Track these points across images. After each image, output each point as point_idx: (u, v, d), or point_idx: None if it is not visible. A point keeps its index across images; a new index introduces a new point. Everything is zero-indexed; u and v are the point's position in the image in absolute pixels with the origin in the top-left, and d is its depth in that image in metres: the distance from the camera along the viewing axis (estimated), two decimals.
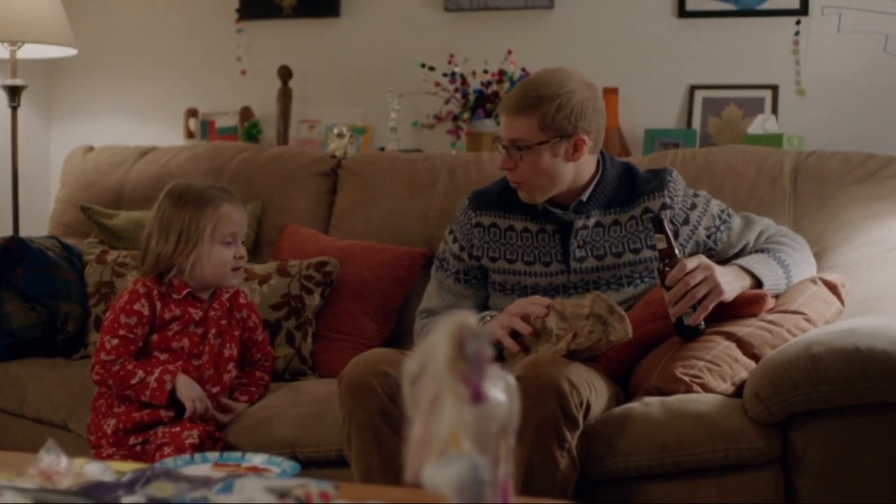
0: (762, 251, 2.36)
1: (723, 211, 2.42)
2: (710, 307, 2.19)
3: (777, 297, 2.32)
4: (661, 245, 2.20)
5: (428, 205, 3.04)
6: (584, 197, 2.33)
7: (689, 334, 2.22)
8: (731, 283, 2.23)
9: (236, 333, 2.53)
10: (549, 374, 1.98)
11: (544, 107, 2.23)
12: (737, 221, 2.42)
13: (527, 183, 2.30)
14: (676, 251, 2.20)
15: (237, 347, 2.53)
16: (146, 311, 2.41)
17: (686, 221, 2.36)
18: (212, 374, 2.45)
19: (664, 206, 2.33)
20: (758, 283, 2.29)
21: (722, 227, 2.39)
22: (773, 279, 2.31)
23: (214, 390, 2.45)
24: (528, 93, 2.26)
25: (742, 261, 2.31)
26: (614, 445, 2.07)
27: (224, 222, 2.43)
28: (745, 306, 2.27)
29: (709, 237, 2.39)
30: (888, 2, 3.09)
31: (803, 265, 2.39)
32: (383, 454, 2.05)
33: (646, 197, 2.35)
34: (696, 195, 2.41)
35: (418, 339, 2.44)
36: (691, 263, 2.18)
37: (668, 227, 2.21)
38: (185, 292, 2.44)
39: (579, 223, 2.33)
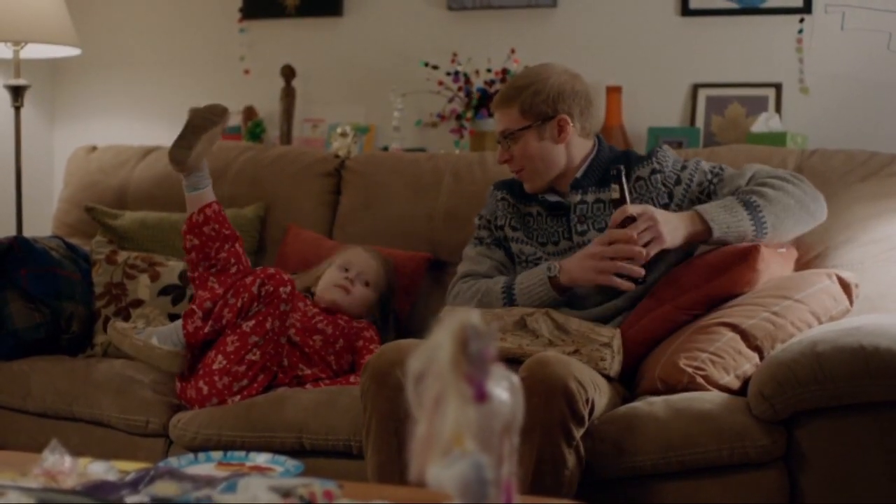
0: (737, 194, 2.35)
1: (715, 166, 2.47)
2: (651, 255, 2.26)
3: (786, 247, 2.39)
4: (615, 195, 2.31)
5: (432, 206, 3.04)
6: (579, 174, 2.47)
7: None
8: (673, 231, 2.27)
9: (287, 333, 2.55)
10: (557, 372, 1.98)
11: (522, 95, 2.45)
12: (729, 172, 2.45)
13: (525, 170, 2.49)
14: (628, 199, 2.30)
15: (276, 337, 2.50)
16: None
17: (678, 182, 2.43)
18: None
19: (654, 171, 2.43)
20: (707, 228, 2.29)
21: (715, 181, 2.43)
22: (727, 223, 2.27)
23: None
24: (509, 87, 2.51)
25: (701, 206, 2.32)
26: (619, 445, 2.07)
27: (344, 256, 2.82)
28: (736, 263, 2.28)
29: (702, 192, 2.43)
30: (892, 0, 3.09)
31: (787, 202, 2.32)
32: (403, 447, 2.01)
33: (637, 167, 2.46)
34: (686, 160, 2.50)
35: (463, 300, 2.48)
36: (634, 209, 2.26)
37: (625, 180, 2.31)
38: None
39: (576, 198, 2.46)
